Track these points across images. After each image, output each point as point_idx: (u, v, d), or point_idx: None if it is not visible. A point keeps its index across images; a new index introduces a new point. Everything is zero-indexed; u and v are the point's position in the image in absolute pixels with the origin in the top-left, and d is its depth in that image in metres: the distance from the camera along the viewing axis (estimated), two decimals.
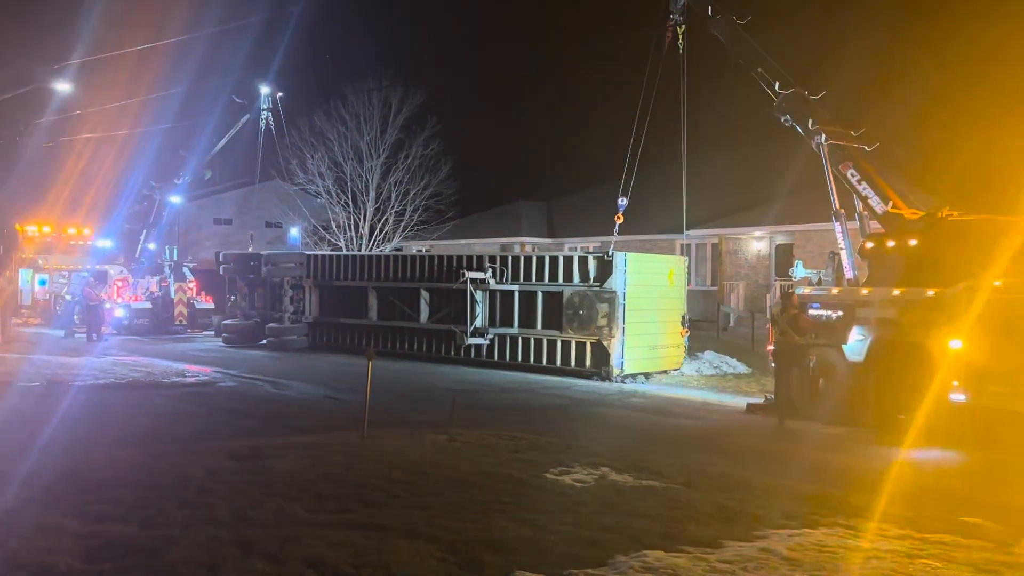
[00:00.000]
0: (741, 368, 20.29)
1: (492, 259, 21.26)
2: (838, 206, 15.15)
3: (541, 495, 7.85)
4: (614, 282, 18.95)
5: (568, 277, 19.90)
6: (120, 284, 29.50)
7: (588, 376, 19.07)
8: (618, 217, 19.45)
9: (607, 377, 18.64)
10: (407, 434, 10.93)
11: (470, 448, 10.16)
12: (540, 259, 20.78)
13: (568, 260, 20.19)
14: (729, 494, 8.31)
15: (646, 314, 19.56)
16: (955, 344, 11.71)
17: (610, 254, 19.12)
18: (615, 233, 19.42)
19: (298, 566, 5.49)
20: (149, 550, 5.73)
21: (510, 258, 21.37)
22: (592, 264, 19.55)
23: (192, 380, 16.75)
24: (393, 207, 36.98)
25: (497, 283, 20.86)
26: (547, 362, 20.09)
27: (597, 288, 19.13)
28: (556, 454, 9.94)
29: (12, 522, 6.29)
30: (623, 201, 19.39)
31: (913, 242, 13.40)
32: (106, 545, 5.84)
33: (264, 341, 24.85)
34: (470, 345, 20.97)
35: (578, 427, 13.04)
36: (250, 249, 27.92)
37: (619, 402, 15.96)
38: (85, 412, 12.42)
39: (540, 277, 20.44)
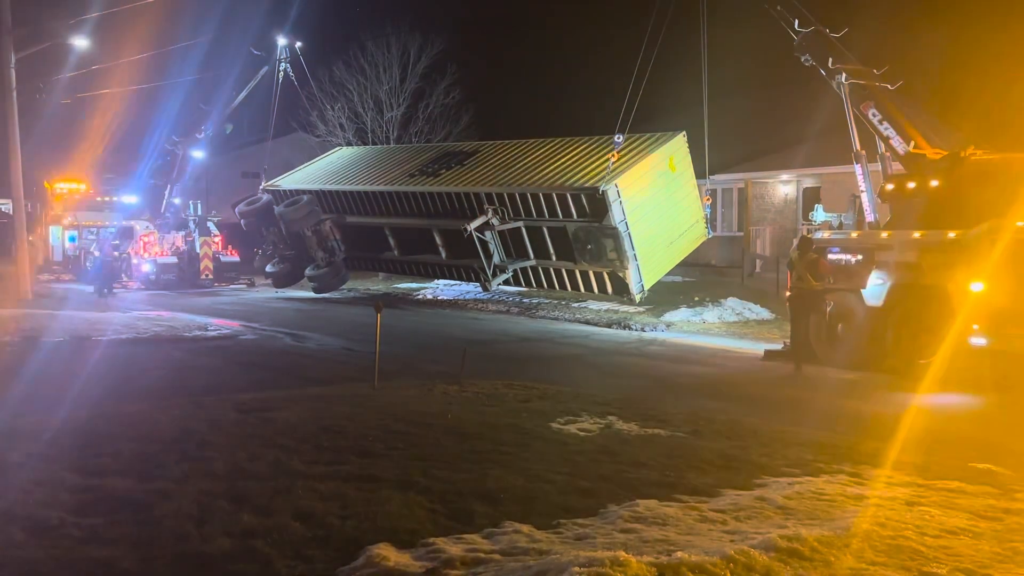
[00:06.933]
0: (764, 314, 20.05)
1: (490, 198, 20.93)
2: (859, 147, 14.77)
3: (543, 445, 7.81)
4: (612, 218, 18.52)
5: (567, 214, 19.56)
6: (146, 239, 29.79)
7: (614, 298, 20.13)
8: (613, 155, 19.06)
9: (631, 301, 19.43)
10: (418, 385, 10.96)
11: (479, 398, 10.14)
12: (535, 196, 20.16)
13: (562, 197, 19.60)
14: (735, 442, 8.22)
15: (655, 223, 19.41)
16: (976, 287, 11.45)
17: (600, 191, 18.61)
18: (609, 170, 19.04)
19: (286, 518, 5.50)
20: (142, 504, 5.78)
21: (506, 195, 20.77)
22: (584, 201, 19.15)
23: (213, 334, 16.87)
24: None
25: (501, 223, 20.58)
26: (571, 287, 20.53)
27: (598, 224, 18.78)
28: (565, 403, 9.89)
29: (13, 476, 6.39)
30: (619, 138, 18.95)
31: (935, 183, 13.05)
32: (101, 499, 5.90)
33: (305, 282, 26.78)
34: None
35: (592, 376, 12.98)
36: (262, 184, 28.03)
37: (636, 350, 15.87)
38: (103, 367, 12.57)
39: (540, 213, 20.20)
